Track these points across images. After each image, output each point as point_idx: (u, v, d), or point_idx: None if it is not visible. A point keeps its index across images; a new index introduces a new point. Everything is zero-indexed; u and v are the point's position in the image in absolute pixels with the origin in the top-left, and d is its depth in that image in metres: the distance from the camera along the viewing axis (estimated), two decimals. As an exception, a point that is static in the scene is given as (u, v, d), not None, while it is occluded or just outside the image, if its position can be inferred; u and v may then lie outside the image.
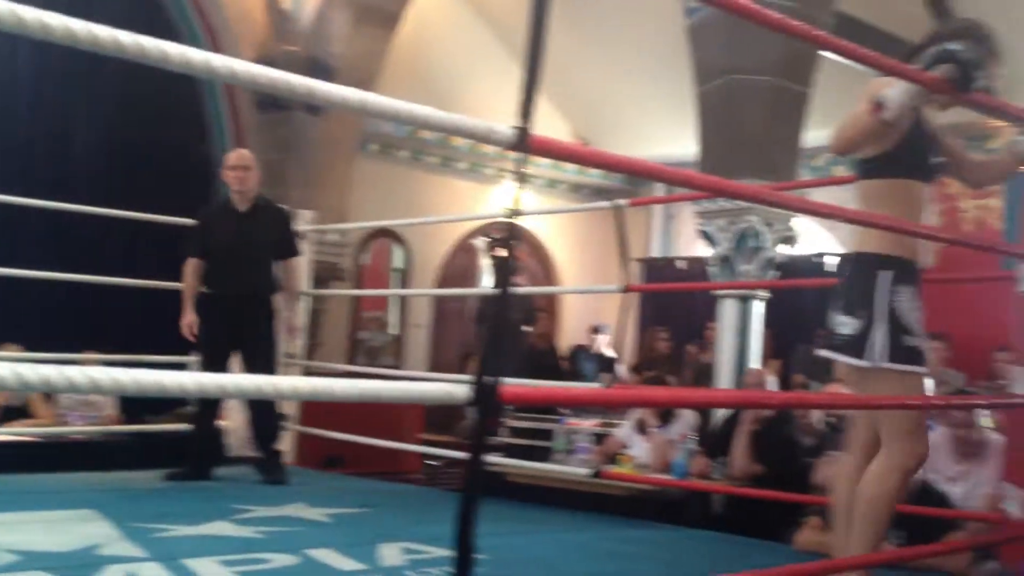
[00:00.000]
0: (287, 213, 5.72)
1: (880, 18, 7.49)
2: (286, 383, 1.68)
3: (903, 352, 2.79)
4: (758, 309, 6.05)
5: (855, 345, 2.81)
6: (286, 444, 6.04)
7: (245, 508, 4.36)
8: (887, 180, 2.87)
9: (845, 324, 2.84)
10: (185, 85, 8.22)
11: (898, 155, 2.85)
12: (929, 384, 4.95)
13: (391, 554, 3.57)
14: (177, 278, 5.40)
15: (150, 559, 3.22)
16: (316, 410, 6.68)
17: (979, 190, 6.32)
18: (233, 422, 5.97)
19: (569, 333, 10.66)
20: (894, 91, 2.63)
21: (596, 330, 9.25)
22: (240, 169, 5.34)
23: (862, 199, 2.94)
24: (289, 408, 6.16)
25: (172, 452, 5.52)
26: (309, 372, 7.15)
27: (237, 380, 1.58)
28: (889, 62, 2.43)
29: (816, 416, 5.64)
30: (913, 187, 2.88)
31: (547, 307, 10.00)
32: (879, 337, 2.77)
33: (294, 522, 4.20)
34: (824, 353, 2.97)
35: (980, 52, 2.61)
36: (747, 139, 6.04)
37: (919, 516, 2.94)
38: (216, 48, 8.10)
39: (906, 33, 7.22)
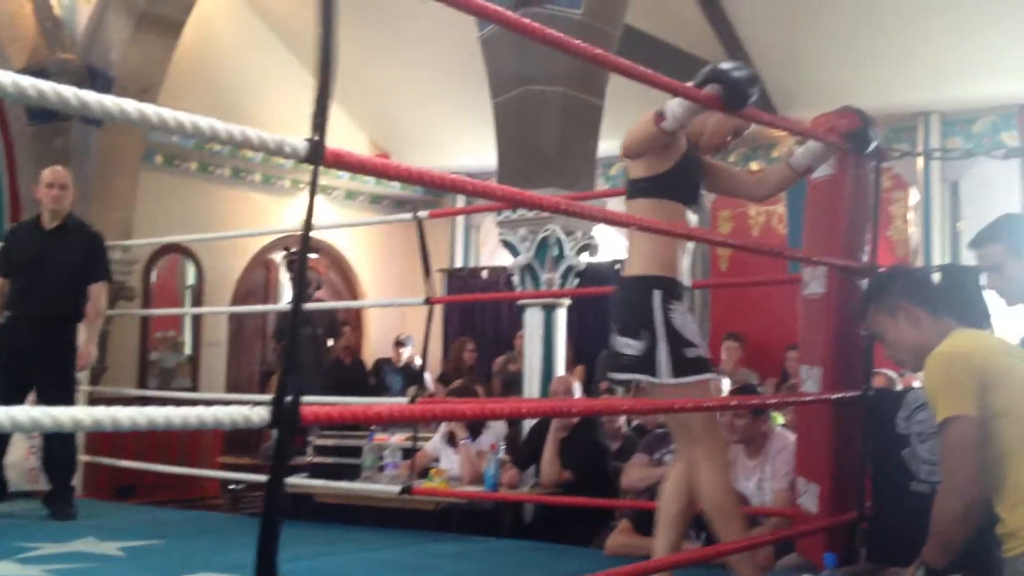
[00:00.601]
0: (98, 234, 5.46)
1: (668, 33, 7.77)
2: (66, 414, 1.53)
3: (687, 364, 2.95)
4: (562, 317, 6.15)
5: (644, 364, 2.95)
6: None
7: (31, 545, 4.10)
8: (652, 200, 3.04)
9: (630, 345, 2.97)
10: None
11: (670, 178, 3.03)
12: (725, 383, 5.13)
13: (190, 587, 3.40)
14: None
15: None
16: (105, 438, 6.34)
17: (762, 202, 6.68)
18: (15, 454, 5.59)
19: (374, 346, 10.53)
20: (674, 103, 2.76)
21: (401, 343, 9.19)
22: (55, 187, 5.18)
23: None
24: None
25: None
26: (96, 398, 6.77)
27: (11, 412, 1.43)
28: (661, 78, 2.51)
29: (621, 420, 5.77)
30: (677, 209, 3.05)
31: (352, 320, 9.85)
32: (663, 354, 2.92)
33: (85, 558, 3.99)
34: (616, 376, 3.10)
35: (750, 71, 2.73)
36: (544, 149, 6.13)
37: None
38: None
39: (692, 48, 7.55)
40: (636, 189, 3.09)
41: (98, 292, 5.26)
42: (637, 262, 3.05)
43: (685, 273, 3.09)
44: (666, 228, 2.74)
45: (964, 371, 2.55)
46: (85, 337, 5.24)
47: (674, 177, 3.03)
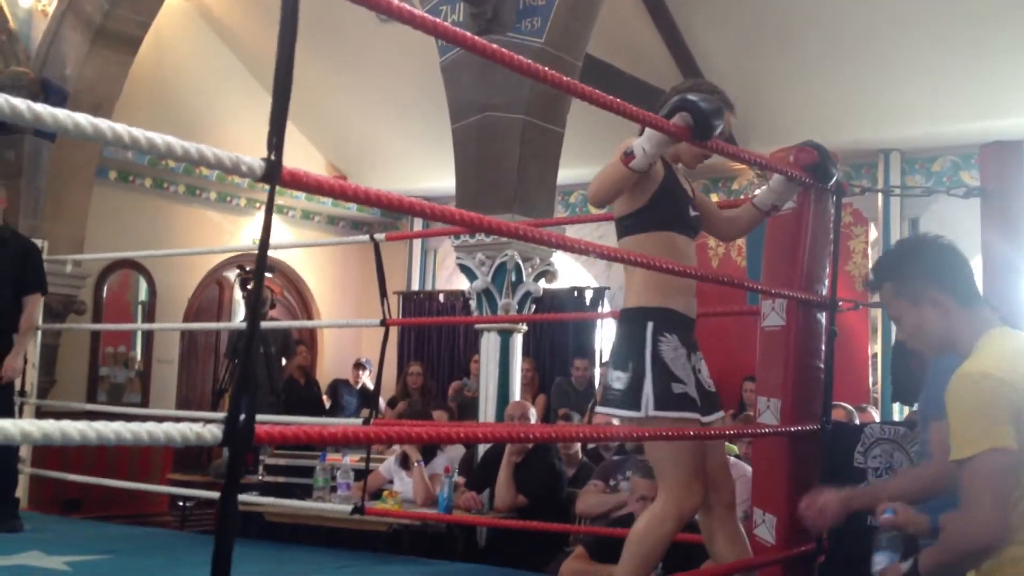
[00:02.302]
0: (33, 245, 5.45)
1: (630, 64, 7.83)
2: (16, 427, 1.50)
3: (672, 400, 2.87)
4: (519, 342, 6.14)
5: (628, 398, 2.88)
6: (19, 488, 5.64)
7: (-26, 559, 4.02)
8: (645, 234, 2.97)
9: (618, 378, 2.91)
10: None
11: (652, 209, 2.96)
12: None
13: (135, 607, 3.34)
14: None
15: None
16: (52, 451, 6.24)
17: (728, 241, 6.70)
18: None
19: (328, 366, 10.45)
20: (640, 140, 2.70)
21: (360, 366, 9.15)
22: None
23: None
24: (21, 450, 5.72)
25: None
26: (43, 412, 6.66)
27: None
28: (629, 107, 2.48)
29: (577, 446, 5.76)
30: (667, 238, 2.99)
31: (307, 341, 9.77)
32: (647, 387, 2.85)
33: (29, 572, 3.93)
34: (601, 410, 3.02)
35: (717, 101, 2.72)
36: (503, 175, 6.13)
37: (675, 545, 3.03)
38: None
39: (653, 79, 7.61)
40: (622, 227, 3.03)
41: (32, 304, 5.21)
42: (632, 294, 3.01)
43: (685, 301, 3.03)
44: (624, 257, 2.70)
45: (999, 396, 2.19)
46: (16, 349, 5.17)
47: (656, 208, 2.96)
